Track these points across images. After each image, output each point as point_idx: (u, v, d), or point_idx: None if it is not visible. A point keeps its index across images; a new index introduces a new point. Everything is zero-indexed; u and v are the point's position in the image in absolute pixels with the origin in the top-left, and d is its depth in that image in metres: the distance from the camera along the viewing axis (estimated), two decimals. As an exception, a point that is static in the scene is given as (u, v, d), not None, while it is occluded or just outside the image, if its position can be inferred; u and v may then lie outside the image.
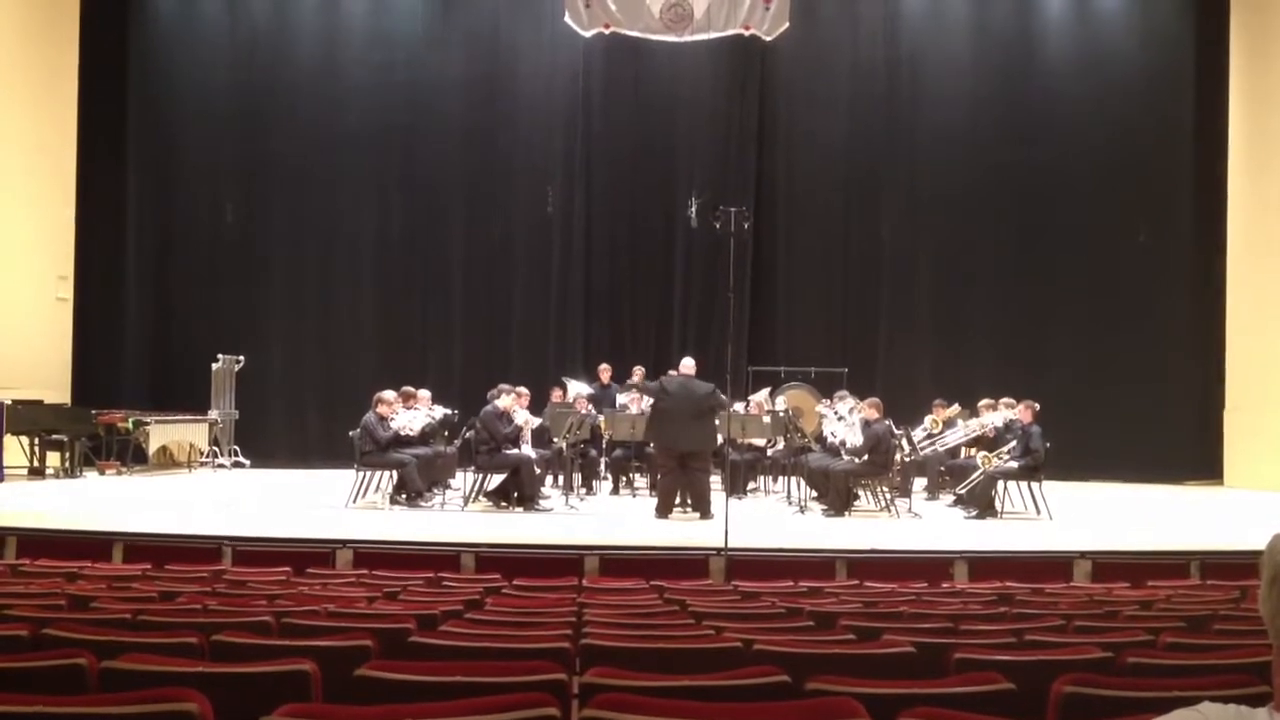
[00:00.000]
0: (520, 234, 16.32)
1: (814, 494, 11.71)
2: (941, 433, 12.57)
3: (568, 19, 15.45)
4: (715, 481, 11.24)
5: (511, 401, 11.30)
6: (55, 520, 9.51)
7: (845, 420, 11.72)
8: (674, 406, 10.47)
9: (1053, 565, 8.25)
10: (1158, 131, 15.96)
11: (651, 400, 11.26)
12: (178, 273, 16.21)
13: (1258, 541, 1.67)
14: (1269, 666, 1.60)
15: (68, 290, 15.82)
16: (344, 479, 11.52)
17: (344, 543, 8.43)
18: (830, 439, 11.81)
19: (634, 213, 16.25)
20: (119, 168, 16.15)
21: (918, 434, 12.50)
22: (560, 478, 12.28)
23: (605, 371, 14.14)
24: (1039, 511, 10.91)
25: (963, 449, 12.35)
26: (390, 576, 6.72)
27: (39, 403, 13.80)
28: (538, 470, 11.38)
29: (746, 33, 15.48)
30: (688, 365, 11.05)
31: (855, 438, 11.17)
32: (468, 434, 11.34)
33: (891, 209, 16.24)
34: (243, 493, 12.46)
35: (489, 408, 11.22)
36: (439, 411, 12.27)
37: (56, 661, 3.55)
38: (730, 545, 8.20)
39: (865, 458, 10.98)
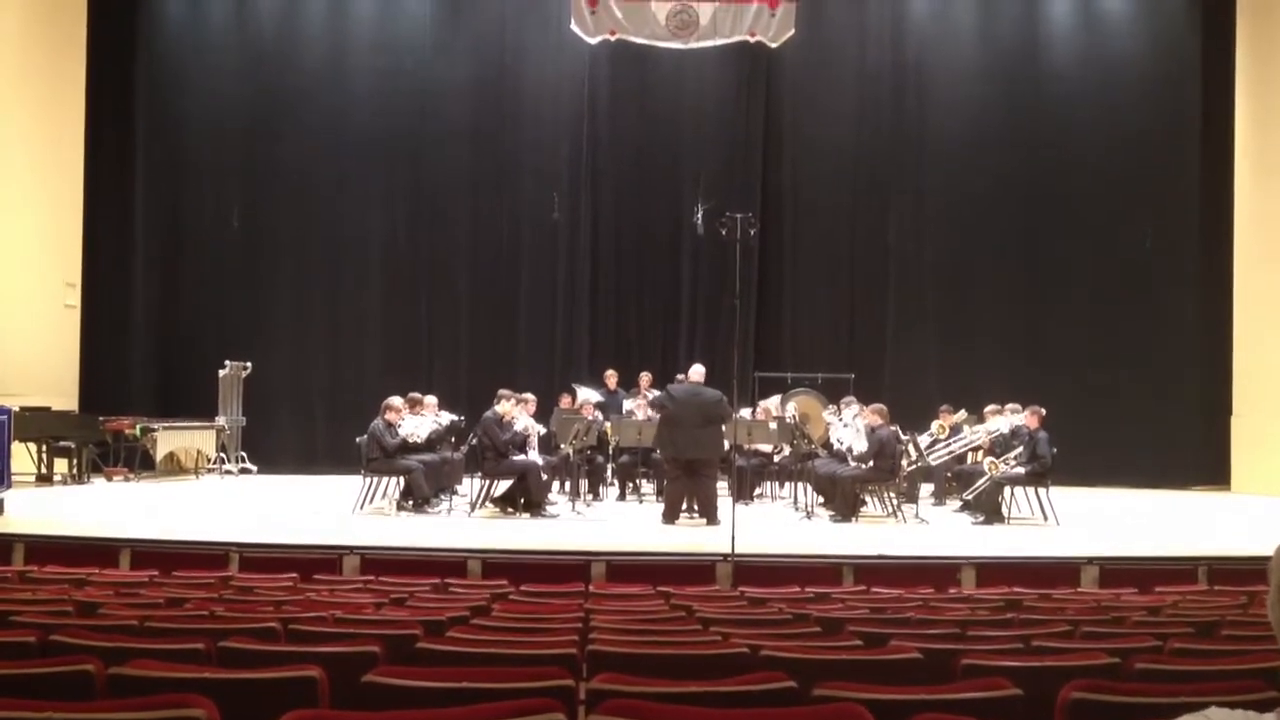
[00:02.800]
0: (526, 240, 16.35)
1: (821, 500, 11.70)
2: (948, 438, 12.56)
3: (574, 26, 15.49)
4: (722, 487, 11.23)
5: (510, 407, 11.28)
6: (63, 527, 9.53)
7: (850, 426, 11.71)
8: (682, 414, 10.46)
9: (1060, 571, 8.23)
10: (1164, 136, 15.96)
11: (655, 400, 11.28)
12: (185, 279, 16.26)
13: (1265, 547, 1.67)
14: (1277, 672, 1.60)
15: (75, 297, 15.88)
16: (351, 485, 11.53)
17: (351, 549, 8.44)
18: (837, 445, 11.80)
19: (640, 219, 16.27)
20: (126, 174, 16.22)
21: (924, 440, 12.48)
22: (567, 484, 12.27)
23: (612, 377, 14.13)
24: (1046, 517, 10.89)
25: (969, 455, 12.34)
26: (397, 582, 6.72)
27: (46, 409, 13.83)
28: (544, 476, 11.37)
29: (752, 39, 15.52)
30: (697, 372, 11.02)
31: (860, 444, 11.16)
32: (474, 440, 11.34)
33: (898, 215, 16.25)
34: (250, 499, 12.48)
35: (489, 414, 11.23)
36: (446, 417, 12.28)
37: (64, 668, 3.55)
38: (737, 551, 8.19)
39: (871, 463, 10.97)
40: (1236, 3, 15.71)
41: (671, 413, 10.55)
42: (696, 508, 10.61)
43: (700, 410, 10.41)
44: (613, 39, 15.55)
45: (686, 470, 10.48)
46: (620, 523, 10.82)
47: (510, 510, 11.17)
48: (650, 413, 12.04)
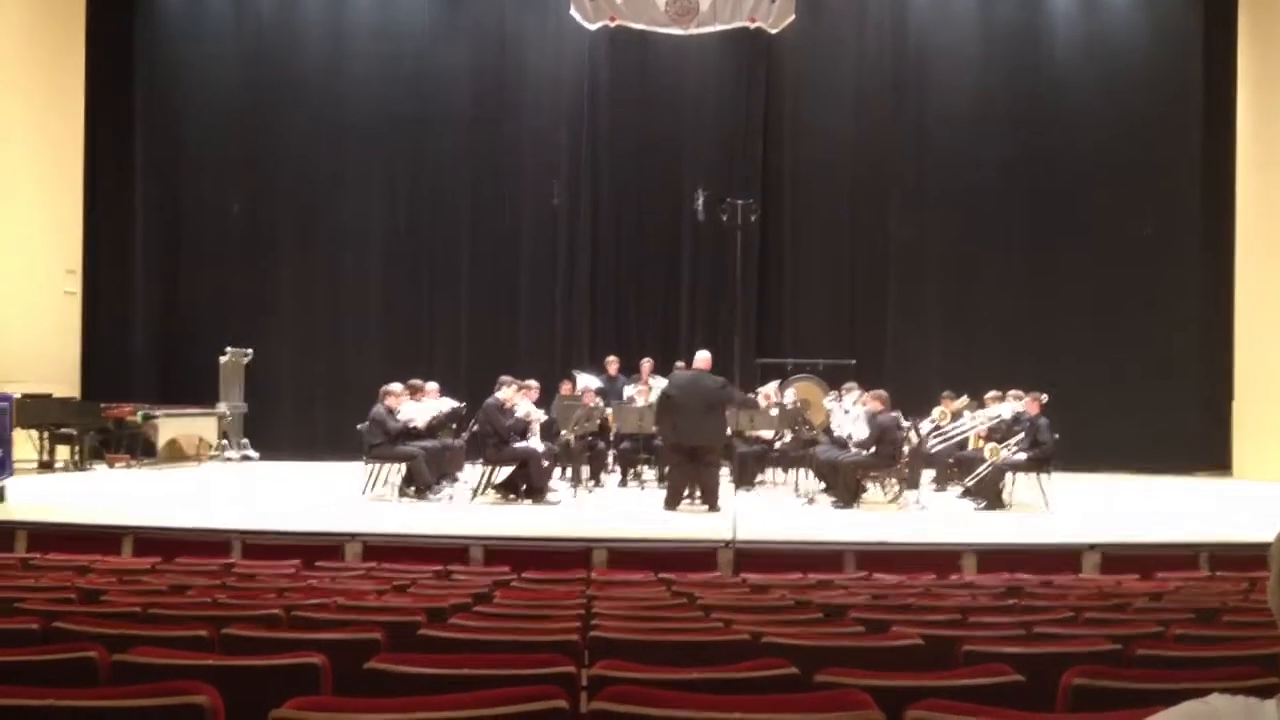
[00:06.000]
0: (527, 226, 16.33)
1: (822, 486, 11.70)
2: (950, 425, 12.56)
3: (573, 12, 15.44)
4: (724, 474, 11.24)
5: (512, 393, 11.27)
6: (65, 514, 9.55)
7: (851, 413, 11.71)
8: (683, 400, 10.46)
9: (1061, 557, 8.24)
10: (1166, 123, 15.90)
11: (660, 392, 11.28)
12: (185, 266, 16.26)
13: (1267, 533, 1.67)
14: (1278, 658, 1.60)
15: (76, 284, 15.87)
16: (352, 472, 11.55)
17: (353, 535, 8.46)
18: (837, 431, 11.80)
19: (640, 205, 16.24)
20: (126, 161, 16.20)
21: (926, 426, 12.48)
22: (568, 470, 12.27)
23: (613, 364, 14.12)
24: (1047, 503, 10.89)
25: (971, 441, 12.34)
26: (399, 569, 6.74)
27: (48, 396, 13.84)
28: (546, 463, 11.38)
29: (752, 25, 15.46)
30: (702, 358, 11.00)
31: (861, 430, 11.16)
32: (475, 426, 11.35)
33: (899, 201, 16.21)
34: (252, 486, 12.49)
35: (491, 400, 11.23)
36: (447, 404, 12.28)
37: (67, 655, 3.56)
38: (739, 537, 8.21)
39: (873, 450, 10.97)
40: (1239, -11, 15.66)
41: (673, 399, 10.56)
42: (698, 494, 10.62)
43: (702, 397, 10.40)
44: (612, 25, 15.49)
45: (688, 456, 10.48)
46: (622, 509, 10.82)
47: (512, 497, 11.19)
48: (651, 398, 12.04)
